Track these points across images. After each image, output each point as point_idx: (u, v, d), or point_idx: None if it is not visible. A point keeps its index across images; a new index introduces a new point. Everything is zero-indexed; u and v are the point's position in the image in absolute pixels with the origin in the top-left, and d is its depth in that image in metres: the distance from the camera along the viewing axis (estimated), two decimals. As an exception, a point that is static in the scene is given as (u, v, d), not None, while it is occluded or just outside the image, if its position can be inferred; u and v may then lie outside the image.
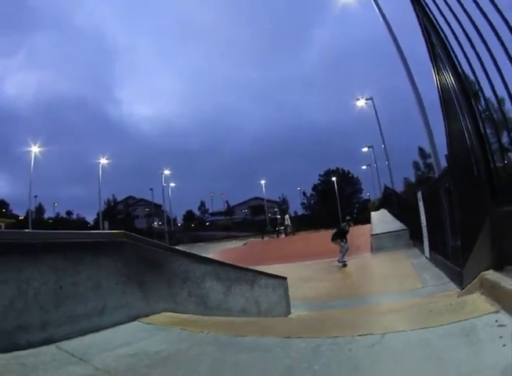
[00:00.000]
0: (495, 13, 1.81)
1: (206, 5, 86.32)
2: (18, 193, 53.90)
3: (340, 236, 10.80)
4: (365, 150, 41.18)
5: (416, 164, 36.82)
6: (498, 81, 1.88)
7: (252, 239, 31.06)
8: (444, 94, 2.79)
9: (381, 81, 58.23)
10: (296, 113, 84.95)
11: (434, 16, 2.54)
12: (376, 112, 28.86)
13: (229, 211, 66.10)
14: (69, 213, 60.11)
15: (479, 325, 1.47)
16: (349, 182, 60.26)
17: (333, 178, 55.30)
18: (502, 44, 1.79)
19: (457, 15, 2.15)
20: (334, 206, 48.80)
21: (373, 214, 19.75)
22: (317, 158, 69.35)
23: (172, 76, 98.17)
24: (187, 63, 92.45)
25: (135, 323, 2.29)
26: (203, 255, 3.96)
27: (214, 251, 19.48)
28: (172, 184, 50.71)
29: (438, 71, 2.85)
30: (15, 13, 75.32)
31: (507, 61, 1.79)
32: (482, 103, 2.14)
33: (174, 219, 52.63)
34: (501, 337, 1.31)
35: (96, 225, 48.27)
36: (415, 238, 10.40)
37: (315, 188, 61.73)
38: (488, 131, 2.10)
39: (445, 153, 4.74)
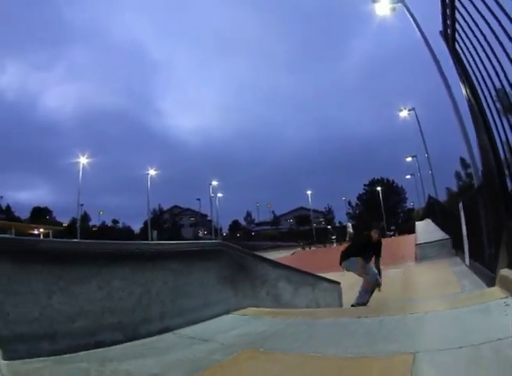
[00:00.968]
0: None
1: (244, 19, 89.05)
2: (61, 201, 58.15)
3: (361, 252, 6.02)
4: (409, 159, 41.13)
5: (457, 175, 36.78)
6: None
7: (299, 249, 31.61)
8: (471, 109, 3.01)
9: (422, 89, 56.79)
10: (337, 123, 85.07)
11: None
12: (418, 122, 28.91)
13: (275, 221, 66.83)
14: (115, 221, 63.50)
15: (492, 305, 2.07)
16: (394, 191, 60.15)
17: (378, 188, 55.02)
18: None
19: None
20: (379, 216, 48.22)
21: (417, 223, 20.16)
22: (361, 168, 69.27)
23: (212, 88, 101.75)
24: (226, 75, 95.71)
25: (230, 315, 2.81)
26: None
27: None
28: (220, 194, 52.46)
29: (465, 85, 3.03)
30: (53, 27, 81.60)
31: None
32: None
33: (220, 229, 54.48)
34: (505, 311, 1.91)
35: (142, 234, 50.73)
36: (457, 247, 10.41)
37: (360, 197, 61.27)
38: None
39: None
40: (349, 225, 28.84)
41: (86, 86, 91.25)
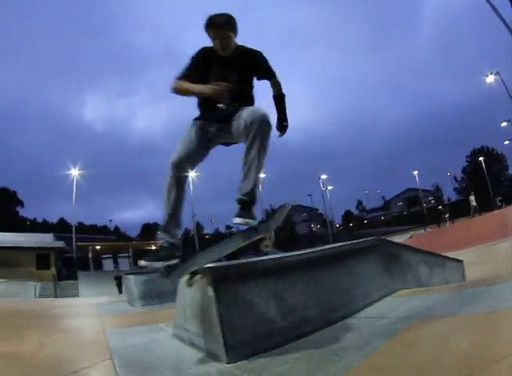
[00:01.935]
0: None
1: (312, 11, 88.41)
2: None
3: None
4: (504, 124, 39.19)
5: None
6: None
7: (414, 232, 30.83)
8: None
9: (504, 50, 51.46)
10: (427, 98, 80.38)
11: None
12: (505, 86, 27.01)
13: (385, 205, 65.57)
14: (228, 227, 65.83)
15: None
16: (495, 159, 55.91)
17: (481, 158, 51.20)
18: None
19: None
20: (485, 186, 44.33)
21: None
22: (460, 140, 64.65)
23: (297, 82, 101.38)
24: (308, 68, 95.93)
25: (390, 297, 3.45)
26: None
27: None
28: (330, 187, 53.26)
29: None
30: (127, 55, 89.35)
31: None
32: None
33: (331, 221, 54.74)
34: None
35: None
36: None
37: (464, 170, 57.77)
38: None
39: None
40: (472, 198, 26.55)
41: (171, 103, 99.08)
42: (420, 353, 1.91)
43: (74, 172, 34.93)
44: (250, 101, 2.83)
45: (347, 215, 66.65)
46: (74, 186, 34.59)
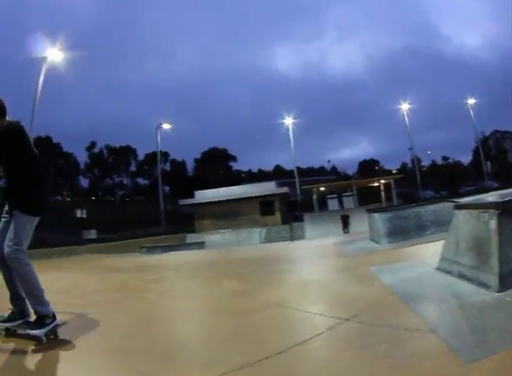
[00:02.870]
0: None
1: None
2: (384, 150, 62.77)
3: None
4: None
5: None
6: None
7: None
8: None
9: None
10: None
11: None
12: None
13: None
14: (445, 158, 61.42)
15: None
16: None
17: None
18: None
19: None
20: None
21: None
22: None
23: None
24: None
25: None
26: None
27: None
28: None
29: None
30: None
31: None
32: None
33: None
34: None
35: (474, 167, 46.59)
36: None
37: None
38: None
39: None
40: None
41: (364, 38, 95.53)
42: None
43: (288, 121, 37.32)
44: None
45: None
46: (291, 132, 37.07)
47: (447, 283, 3.23)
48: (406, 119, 37.65)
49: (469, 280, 2.99)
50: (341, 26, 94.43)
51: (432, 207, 8.35)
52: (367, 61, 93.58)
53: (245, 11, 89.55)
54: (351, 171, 63.66)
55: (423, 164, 57.63)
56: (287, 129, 37.74)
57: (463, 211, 3.28)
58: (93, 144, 57.97)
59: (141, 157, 60.30)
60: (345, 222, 23.91)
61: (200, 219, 30.38)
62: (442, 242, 3.80)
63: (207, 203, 30.23)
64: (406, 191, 40.89)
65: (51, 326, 2.58)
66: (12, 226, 2.61)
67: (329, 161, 64.94)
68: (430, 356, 1.92)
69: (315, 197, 36.30)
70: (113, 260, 11.36)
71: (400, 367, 1.84)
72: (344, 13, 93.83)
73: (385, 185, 36.04)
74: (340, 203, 34.58)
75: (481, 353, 1.80)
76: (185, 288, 5.31)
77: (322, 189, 37.51)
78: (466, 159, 58.62)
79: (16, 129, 2.68)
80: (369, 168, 60.62)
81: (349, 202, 33.97)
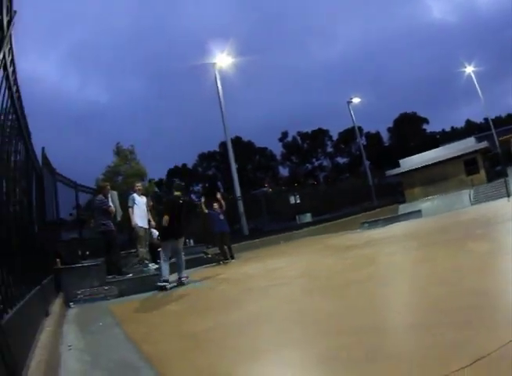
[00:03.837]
0: None
1: None
2: None
3: None
4: None
5: None
6: None
7: None
8: None
9: None
10: None
11: None
12: None
13: None
14: None
15: None
16: None
17: None
18: None
19: None
20: None
21: None
22: None
23: None
24: None
25: None
26: None
27: None
28: None
29: None
30: None
31: None
32: None
33: None
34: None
35: None
36: None
37: None
38: None
39: None
40: None
41: None
42: None
43: (469, 69, 33.20)
44: None
45: None
46: (476, 82, 32.44)
47: None
48: None
49: None
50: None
51: None
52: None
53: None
54: None
55: None
56: (469, 78, 33.29)
57: None
58: (285, 134, 61.81)
59: (334, 136, 61.46)
60: None
61: (408, 188, 29.95)
62: None
63: (414, 170, 29.42)
64: None
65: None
66: None
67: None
68: None
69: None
70: (338, 239, 11.20)
71: None
72: None
73: None
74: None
75: None
76: (437, 254, 5.10)
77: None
78: None
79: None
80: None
81: None
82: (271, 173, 61.46)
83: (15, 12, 2.19)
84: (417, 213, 16.75)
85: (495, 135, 30.94)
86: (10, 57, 2.41)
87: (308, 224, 18.56)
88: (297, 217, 19.22)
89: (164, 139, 77.23)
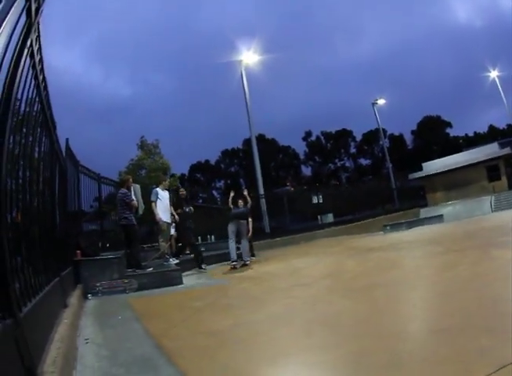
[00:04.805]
0: None
1: None
2: None
3: None
4: None
5: None
6: None
7: None
8: None
9: None
10: None
11: None
12: None
13: None
14: None
15: None
16: None
17: None
18: None
19: None
20: None
21: None
22: None
23: None
24: None
25: None
26: None
27: None
28: None
29: None
30: None
31: None
32: None
33: None
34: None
35: None
36: None
37: None
38: None
39: None
40: None
41: None
42: None
43: (493, 74, 33.06)
44: None
45: None
46: (500, 87, 32.15)
47: None
48: None
49: None
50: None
51: None
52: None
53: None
54: None
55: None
56: (494, 83, 33.28)
57: None
58: (308, 133, 61.28)
59: (358, 137, 61.31)
60: None
61: (430, 192, 29.83)
62: None
63: (436, 174, 29.40)
64: None
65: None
66: None
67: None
68: None
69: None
70: (360, 241, 11.09)
71: None
72: None
73: None
74: None
75: None
76: (461, 260, 4.90)
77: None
78: None
79: None
80: None
81: None
82: (293, 172, 61.24)
83: (43, -1, 2.13)
84: (439, 218, 16.56)
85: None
86: (37, 45, 2.36)
87: (329, 224, 18.35)
88: (318, 217, 19.01)
89: (188, 134, 78.10)
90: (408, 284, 4.08)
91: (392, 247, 7.91)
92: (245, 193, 10.35)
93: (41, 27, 2.46)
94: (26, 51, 1.89)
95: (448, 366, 1.82)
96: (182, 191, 9.11)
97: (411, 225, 13.66)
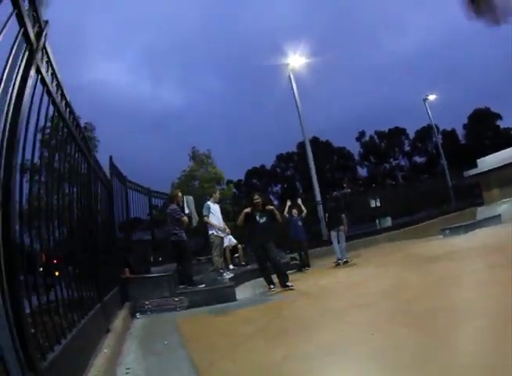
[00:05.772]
0: None
1: None
2: None
3: None
4: None
5: None
6: None
7: None
8: None
9: None
10: None
11: None
12: None
13: None
14: None
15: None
16: None
17: None
18: None
19: None
20: None
21: None
22: None
23: None
24: None
25: None
26: None
27: None
28: None
29: None
30: None
31: None
32: None
33: None
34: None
35: None
36: None
37: None
38: None
39: None
40: None
41: None
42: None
43: None
44: None
45: None
46: None
47: None
48: None
49: None
50: None
51: None
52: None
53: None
54: None
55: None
56: None
57: None
58: (362, 133, 59.44)
59: (411, 135, 58.95)
60: None
61: (486, 190, 26.53)
62: None
63: (491, 170, 25.60)
64: None
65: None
66: None
67: None
68: None
69: None
70: (419, 247, 10.41)
71: None
72: None
73: None
74: None
75: None
76: None
77: None
78: None
79: None
80: None
81: None
82: (349, 173, 59.48)
83: (46, 22, 2.02)
84: (497, 218, 15.39)
85: None
86: (51, 70, 2.24)
87: (388, 229, 17.44)
88: (376, 220, 18.05)
89: (242, 140, 79.28)
90: (474, 309, 3.49)
91: (452, 256, 7.21)
92: (299, 201, 10.38)
93: (49, 50, 2.24)
94: (30, 81, 1.76)
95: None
96: (257, 199, 6.91)
97: (469, 228, 13.03)
